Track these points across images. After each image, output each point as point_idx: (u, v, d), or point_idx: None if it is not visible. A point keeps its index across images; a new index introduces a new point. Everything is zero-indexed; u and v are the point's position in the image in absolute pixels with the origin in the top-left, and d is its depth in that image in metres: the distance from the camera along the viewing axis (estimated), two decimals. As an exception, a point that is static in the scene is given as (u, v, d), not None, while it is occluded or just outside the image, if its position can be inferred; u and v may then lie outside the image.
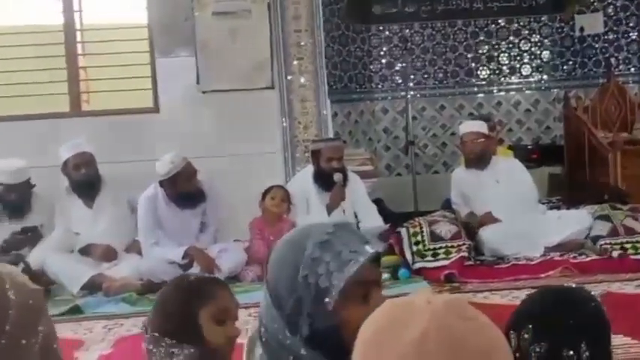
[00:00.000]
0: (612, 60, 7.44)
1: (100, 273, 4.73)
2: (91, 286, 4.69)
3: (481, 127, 5.44)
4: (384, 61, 7.60)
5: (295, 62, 5.67)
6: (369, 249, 1.32)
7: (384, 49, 7.59)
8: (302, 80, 5.69)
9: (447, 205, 5.57)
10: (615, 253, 4.70)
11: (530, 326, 1.41)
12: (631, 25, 7.46)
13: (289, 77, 5.66)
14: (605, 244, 4.80)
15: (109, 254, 4.90)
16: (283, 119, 5.69)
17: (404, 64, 7.36)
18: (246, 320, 3.93)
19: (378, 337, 0.85)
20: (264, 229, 5.01)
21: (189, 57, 5.69)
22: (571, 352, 1.38)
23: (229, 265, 4.84)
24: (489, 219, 5.15)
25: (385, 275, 4.69)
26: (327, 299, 1.27)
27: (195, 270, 4.76)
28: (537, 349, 1.39)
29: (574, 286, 1.41)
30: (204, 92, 5.67)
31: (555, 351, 1.39)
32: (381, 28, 7.58)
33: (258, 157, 5.60)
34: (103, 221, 4.98)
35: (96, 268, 4.79)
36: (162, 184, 4.90)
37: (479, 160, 5.34)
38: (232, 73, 5.61)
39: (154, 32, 5.81)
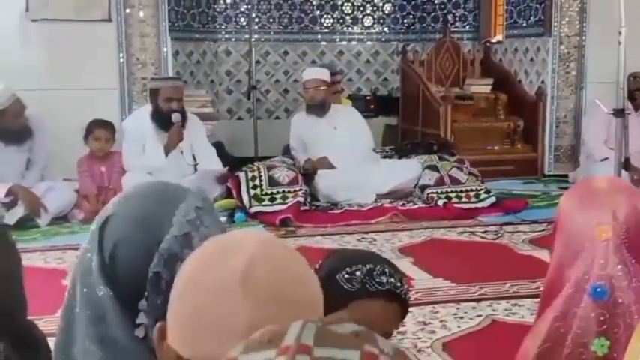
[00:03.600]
0: (449, 16, 7.73)
1: None
2: None
3: (324, 74, 5.50)
4: (228, 1, 7.44)
5: (135, -5, 5.41)
6: None
7: (230, -12, 7.43)
8: (141, 15, 5.43)
9: (287, 151, 5.64)
10: (440, 202, 4.97)
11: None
12: (469, -17, 7.77)
13: (128, 10, 5.39)
14: (432, 193, 5.06)
15: None
16: (120, 54, 5.43)
17: (249, 6, 7.24)
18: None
19: (202, 267, 0.84)
20: (93, 165, 4.89)
21: (17, -19, 5.27)
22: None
23: (56, 204, 4.68)
24: (324, 164, 5.27)
25: (222, 218, 4.69)
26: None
27: (20, 209, 4.54)
28: None
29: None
30: (33, 20, 5.29)
31: None
32: (227, -34, 7.39)
33: (93, 93, 5.32)
34: None
35: None
36: (-15, 117, 4.58)
37: (319, 107, 5.42)
38: (65, 1, 5.26)
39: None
